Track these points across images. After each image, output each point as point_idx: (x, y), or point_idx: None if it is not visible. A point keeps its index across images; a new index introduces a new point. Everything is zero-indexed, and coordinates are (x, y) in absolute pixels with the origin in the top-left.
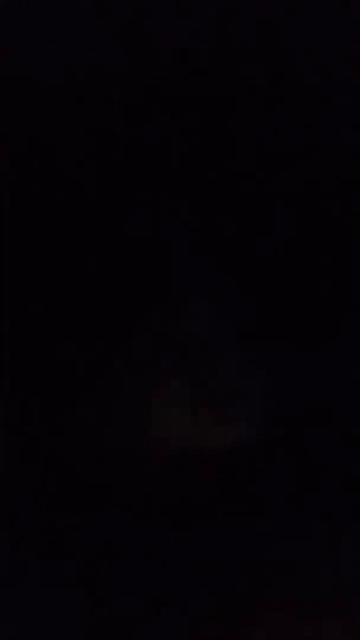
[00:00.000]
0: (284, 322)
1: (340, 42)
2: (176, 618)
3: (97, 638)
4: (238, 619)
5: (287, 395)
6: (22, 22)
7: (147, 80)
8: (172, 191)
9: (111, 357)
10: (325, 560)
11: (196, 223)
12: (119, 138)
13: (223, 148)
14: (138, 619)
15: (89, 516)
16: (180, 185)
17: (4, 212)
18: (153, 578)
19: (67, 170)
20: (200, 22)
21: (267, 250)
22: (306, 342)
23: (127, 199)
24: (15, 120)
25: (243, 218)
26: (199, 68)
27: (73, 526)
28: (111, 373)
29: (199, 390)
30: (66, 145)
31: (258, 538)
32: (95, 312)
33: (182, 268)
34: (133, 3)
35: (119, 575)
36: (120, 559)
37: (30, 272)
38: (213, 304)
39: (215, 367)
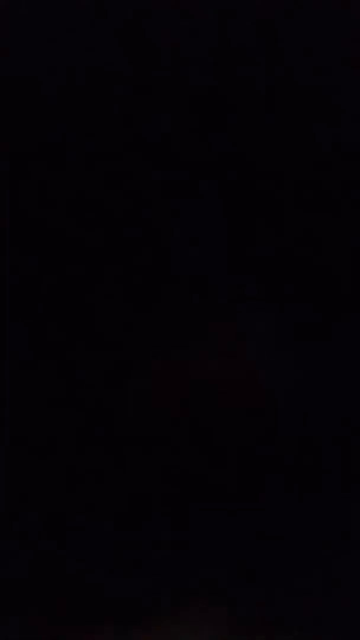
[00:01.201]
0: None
1: (340, 42)
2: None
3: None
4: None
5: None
6: (22, 22)
7: (147, 80)
8: (171, 190)
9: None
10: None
11: (196, 222)
12: (118, 138)
13: (223, 148)
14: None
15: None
16: (179, 185)
17: (5, 212)
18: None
19: (67, 170)
20: (200, 22)
21: (267, 249)
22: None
23: (127, 198)
24: (15, 120)
25: (243, 217)
26: (198, 67)
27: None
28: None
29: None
30: (66, 145)
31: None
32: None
33: (183, 266)
34: (133, 3)
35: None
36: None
37: (31, 270)
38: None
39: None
